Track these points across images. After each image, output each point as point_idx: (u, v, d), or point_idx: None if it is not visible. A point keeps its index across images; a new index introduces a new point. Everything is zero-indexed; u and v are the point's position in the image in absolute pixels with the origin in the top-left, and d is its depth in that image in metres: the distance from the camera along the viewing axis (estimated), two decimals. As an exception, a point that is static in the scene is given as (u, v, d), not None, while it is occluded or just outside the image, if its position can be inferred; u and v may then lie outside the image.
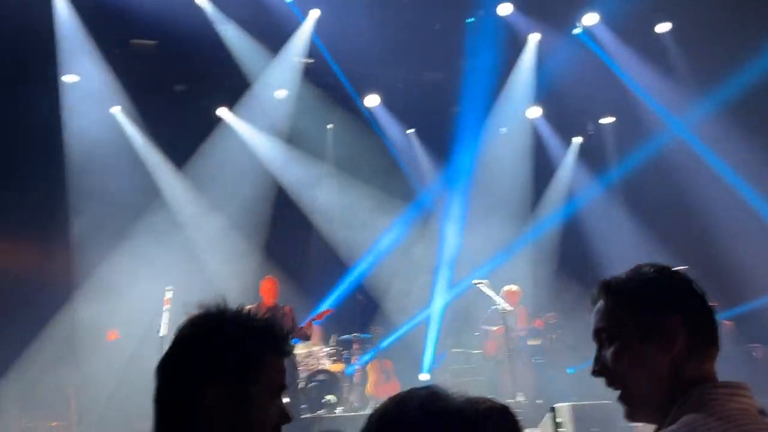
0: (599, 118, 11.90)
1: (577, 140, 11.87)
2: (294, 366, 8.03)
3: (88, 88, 9.31)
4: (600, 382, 1.59)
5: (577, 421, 6.56)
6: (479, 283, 8.06)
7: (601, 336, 1.58)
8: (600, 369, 1.57)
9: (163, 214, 9.53)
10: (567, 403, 6.79)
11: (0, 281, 8.68)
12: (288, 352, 1.50)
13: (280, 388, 1.49)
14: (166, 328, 7.04)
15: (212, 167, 10.24)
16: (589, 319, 1.63)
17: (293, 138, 10.95)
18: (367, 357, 9.82)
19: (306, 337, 8.06)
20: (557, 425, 6.75)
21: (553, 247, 11.23)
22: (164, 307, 7.19)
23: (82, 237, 9.24)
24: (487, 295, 8.06)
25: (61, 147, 9.18)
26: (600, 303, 1.60)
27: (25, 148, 9.05)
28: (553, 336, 9.15)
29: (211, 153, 10.42)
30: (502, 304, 7.52)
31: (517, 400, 8.45)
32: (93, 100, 9.31)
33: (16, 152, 8.89)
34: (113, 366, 8.58)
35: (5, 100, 8.54)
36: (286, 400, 1.57)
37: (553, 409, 6.84)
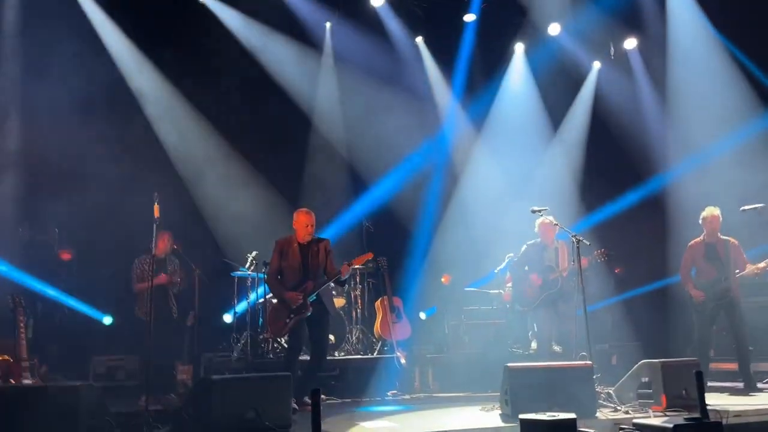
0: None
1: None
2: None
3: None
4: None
5: (666, 380, 5.47)
6: (539, 211, 6.73)
7: None
8: None
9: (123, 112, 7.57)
10: (655, 360, 5.67)
11: None
12: None
13: None
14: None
15: (191, 59, 8.41)
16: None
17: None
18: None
19: (340, 282, 6.39)
20: (643, 385, 5.67)
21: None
22: (156, 219, 5.53)
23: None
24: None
25: None
26: None
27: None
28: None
29: (190, 42, 8.56)
30: (577, 235, 6.24)
31: (554, 350, 7.41)
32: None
33: None
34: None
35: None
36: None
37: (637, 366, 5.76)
